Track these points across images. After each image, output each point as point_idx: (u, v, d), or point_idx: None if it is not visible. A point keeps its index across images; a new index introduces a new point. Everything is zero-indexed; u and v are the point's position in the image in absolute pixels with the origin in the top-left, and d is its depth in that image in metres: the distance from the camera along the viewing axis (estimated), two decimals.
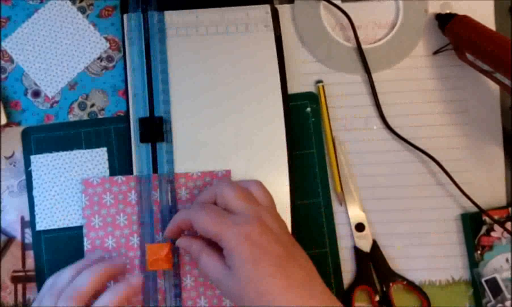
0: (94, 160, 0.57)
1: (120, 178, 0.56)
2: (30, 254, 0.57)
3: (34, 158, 0.57)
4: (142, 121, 0.56)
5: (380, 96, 0.59)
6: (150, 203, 0.55)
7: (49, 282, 0.51)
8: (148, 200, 0.55)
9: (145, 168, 0.55)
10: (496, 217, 0.56)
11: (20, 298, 0.57)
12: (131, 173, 0.56)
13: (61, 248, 0.56)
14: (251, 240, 0.45)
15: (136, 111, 0.56)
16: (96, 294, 0.49)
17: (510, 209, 0.57)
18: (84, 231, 0.55)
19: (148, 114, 0.56)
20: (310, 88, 0.60)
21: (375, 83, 0.59)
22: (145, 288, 0.54)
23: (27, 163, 0.57)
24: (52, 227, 0.56)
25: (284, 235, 0.47)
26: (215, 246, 0.47)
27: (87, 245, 0.55)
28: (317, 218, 0.58)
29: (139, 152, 0.56)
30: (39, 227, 0.56)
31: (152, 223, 0.54)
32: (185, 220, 0.49)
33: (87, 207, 0.55)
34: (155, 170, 0.55)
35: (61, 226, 0.56)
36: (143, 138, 0.56)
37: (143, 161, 0.55)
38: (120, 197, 0.55)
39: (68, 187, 0.57)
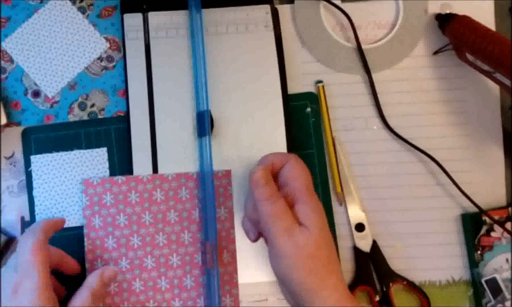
0: (94, 160, 0.57)
1: (120, 178, 0.55)
2: None
3: (34, 158, 0.57)
4: (199, 116, 0.56)
5: (380, 96, 0.59)
6: (212, 199, 0.54)
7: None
8: (212, 195, 0.54)
9: (206, 160, 0.55)
10: (496, 217, 0.56)
11: None
12: (131, 173, 0.56)
13: (61, 248, 0.55)
14: (323, 212, 0.48)
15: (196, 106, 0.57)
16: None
17: (510, 209, 0.57)
18: (85, 231, 0.55)
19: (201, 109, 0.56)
20: (310, 88, 0.60)
21: (375, 83, 0.59)
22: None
23: (27, 163, 0.57)
24: None
25: None
26: None
27: (87, 245, 0.55)
28: None
29: (199, 146, 0.56)
30: None
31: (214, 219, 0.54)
32: (280, 162, 0.49)
33: (87, 207, 0.55)
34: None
35: None
36: (201, 133, 0.56)
37: (202, 155, 0.55)
38: (120, 197, 0.55)
39: (68, 187, 0.57)
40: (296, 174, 0.48)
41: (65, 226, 0.56)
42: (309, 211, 0.46)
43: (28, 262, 0.46)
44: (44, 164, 0.57)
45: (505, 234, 0.56)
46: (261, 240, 0.51)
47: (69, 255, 0.53)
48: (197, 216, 0.55)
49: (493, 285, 0.56)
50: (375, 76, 0.59)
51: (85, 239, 0.55)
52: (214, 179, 0.56)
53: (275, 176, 0.50)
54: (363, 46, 0.60)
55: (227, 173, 0.56)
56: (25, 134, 0.58)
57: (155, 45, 0.58)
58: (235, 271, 0.56)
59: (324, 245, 0.46)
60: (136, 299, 0.54)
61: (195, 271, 0.55)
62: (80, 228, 0.56)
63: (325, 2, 0.60)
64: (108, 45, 0.60)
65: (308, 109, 0.59)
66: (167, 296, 0.55)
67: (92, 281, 0.50)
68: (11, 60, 0.59)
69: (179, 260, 0.55)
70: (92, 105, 0.59)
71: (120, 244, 0.55)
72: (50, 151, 0.57)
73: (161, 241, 0.55)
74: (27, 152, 0.57)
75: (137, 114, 0.57)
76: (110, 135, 0.58)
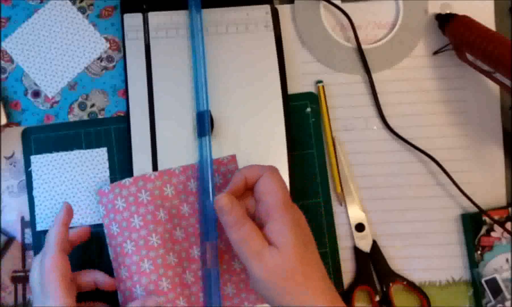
0: (94, 160, 0.57)
1: (127, 180, 0.54)
2: (30, 254, 0.57)
3: (34, 158, 0.57)
4: (199, 116, 0.56)
5: (380, 96, 0.59)
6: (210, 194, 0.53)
7: None
8: (212, 195, 0.53)
9: (206, 160, 0.54)
10: (496, 217, 0.56)
11: (20, 298, 0.57)
12: (131, 173, 0.56)
13: None
14: (301, 226, 0.47)
15: (196, 106, 0.57)
16: None
17: (510, 209, 0.57)
18: (107, 240, 0.54)
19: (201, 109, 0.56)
20: (310, 88, 0.60)
21: (375, 83, 0.59)
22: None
23: (27, 163, 0.57)
24: None
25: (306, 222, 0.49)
26: None
27: (111, 254, 0.54)
28: (317, 218, 0.58)
29: (199, 145, 0.56)
30: (39, 227, 0.56)
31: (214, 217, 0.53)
32: (255, 176, 0.48)
33: (105, 216, 0.54)
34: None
35: None
36: (201, 133, 0.55)
37: (202, 155, 0.55)
38: (130, 199, 0.53)
39: (68, 187, 0.57)
40: (269, 189, 0.47)
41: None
42: (280, 229, 0.46)
43: (44, 283, 0.46)
44: (44, 164, 0.57)
45: (505, 234, 0.56)
46: None
47: (102, 272, 0.52)
48: None
49: (493, 285, 0.56)
50: (375, 76, 0.59)
51: (109, 249, 0.54)
52: (220, 166, 0.55)
53: (251, 189, 0.49)
54: (363, 46, 0.60)
55: (233, 158, 0.56)
56: (25, 134, 0.58)
57: (155, 45, 0.58)
58: None
59: (298, 262, 0.45)
60: (166, 298, 0.52)
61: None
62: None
63: (325, 2, 0.60)
64: (108, 45, 0.60)
65: (308, 109, 0.59)
66: (194, 290, 0.54)
67: None
68: (11, 60, 0.59)
69: (199, 251, 0.54)
70: (92, 105, 0.59)
71: (139, 246, 0.52)
72: (50, 152, 0.57)
73: (180, 236, 0.54)
74: (27, 152, 0.57)
75: (137, 114, 0.57)
76: (110, 135, 0.58)
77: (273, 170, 0.49)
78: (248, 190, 0.50)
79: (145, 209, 0.53)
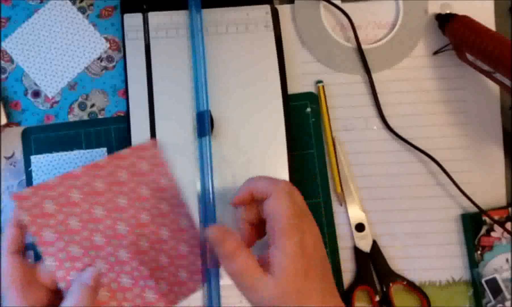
0: (94, 160, 0.57)
1: (51, 181, 0.47)
2: (30, 254, 0.57)
3: (34, 158, 0.57)
4: (199, 116, 0.56)
5: (380, 96, 0.59)
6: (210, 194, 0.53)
7: None
8: (212, 195, 0.53)
9: (206, 160, 0.54)
10: (496, 217, 0.56)
11: None
12: None
13: None
14: (306, 252, 0.44)
15: (196, 106, 0.56)
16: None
17: (510, 209, 0.57)
18: (40, 250, 0.46)
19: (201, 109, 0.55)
20: (310, 88, 0.60)
21: (375, 83, 0.59)
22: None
23: (27, 163, 0.57)
24: None
25: (321, 243, 0.47)
26: None
27: (51, 263, 0.46)
28: (317, 218, 0.57)
29: (200, 145, 0.56)
30: None
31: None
32: (262, 193, 0.46)
33: (31, 223, 0.46)
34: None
35: None
36: (201, 133, 0.55)
37: (202, 155, 0.55)
38: (61, 200, 0.47)
39: None
40: (274, 212, 0.44)
41: None
42: (280, 258, 0.43)
43: (3, 282, 0.45)
44: (44, 164, 0.57)
45: (505, 234, 0.56)
46: None
47: None
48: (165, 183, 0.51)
49: (493, 285, 0.56)
50: (375, 76, 0.59)
51: (46, 258, 0.46)
52: (137, 151, 0.50)
53: (259, 200, 0.47)
54: (363, 46, 0.60)
55: (153, 142, 0.51)
56: (25, 134, 0.58)
57: (155, 45, 0.58)
58: None
59: (294, 292, 0.43)
60: (133, 293, 0.49)
61: (188, 235, 0.51)
62: None
63: (325, 2, 0.60)
64: (108, 45, 0.60)
65: (308, 109, 0.59)
66: (172, 270, 0.50)
67: (84, 277, 0.46)
68: (11, 60, 0.59)
69: (128, 252, 0.49)
70: (92, 105, 0.59)
71: (85, 247, 0.48)
72: (50, 152, 0.57)
73: (100, 241, 0.49)
74: (27, 152, 0.57)
75: (137, 114, 0.57)
76: (110, 135, 0.58)
77: (282, 189, 0.45)
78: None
79: (80, 209, 0.48)
